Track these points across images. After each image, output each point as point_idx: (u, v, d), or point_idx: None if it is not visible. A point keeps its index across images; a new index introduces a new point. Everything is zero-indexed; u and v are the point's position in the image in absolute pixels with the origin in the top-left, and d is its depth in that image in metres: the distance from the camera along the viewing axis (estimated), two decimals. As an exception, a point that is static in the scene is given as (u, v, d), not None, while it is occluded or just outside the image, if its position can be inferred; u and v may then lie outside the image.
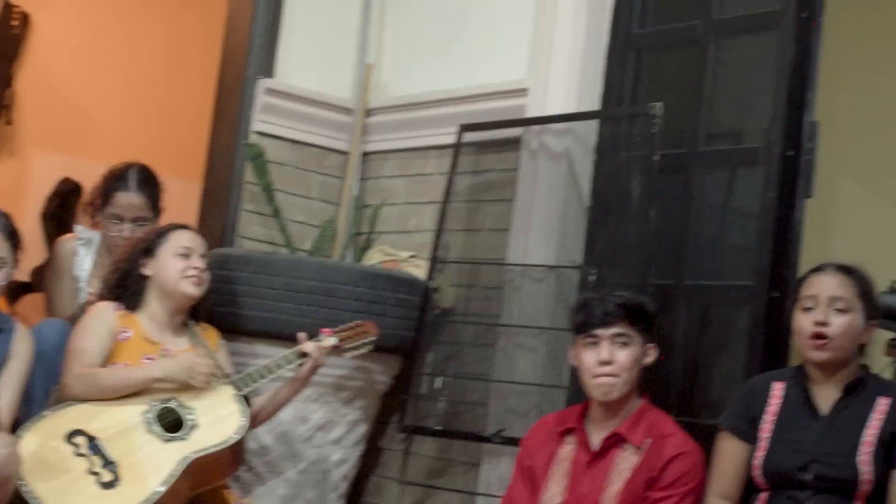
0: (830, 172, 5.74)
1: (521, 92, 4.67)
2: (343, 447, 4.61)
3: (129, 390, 3.71)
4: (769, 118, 4.01)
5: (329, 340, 3.97)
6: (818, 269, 3.47)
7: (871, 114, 6.02)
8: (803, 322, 3.40)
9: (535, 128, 4.58)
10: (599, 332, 3.60)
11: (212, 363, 3.73)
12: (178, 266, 3.93)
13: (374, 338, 4.11)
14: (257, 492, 4.47)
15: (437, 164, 5.00)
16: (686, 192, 4.31)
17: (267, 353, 4.34)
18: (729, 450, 3.51)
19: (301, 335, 3.98)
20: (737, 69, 4.32)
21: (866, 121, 6.01)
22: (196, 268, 3.94)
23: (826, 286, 3.40)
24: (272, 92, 5.14)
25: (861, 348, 3.45)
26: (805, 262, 3.60)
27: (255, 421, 3.96)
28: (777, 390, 3.50)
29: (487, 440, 4.40)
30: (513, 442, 4.18)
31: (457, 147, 4.71)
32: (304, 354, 3.92)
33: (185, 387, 3.74)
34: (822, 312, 3.36)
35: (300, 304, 4.39)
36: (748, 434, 3.47)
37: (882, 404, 3.36)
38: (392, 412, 4.84)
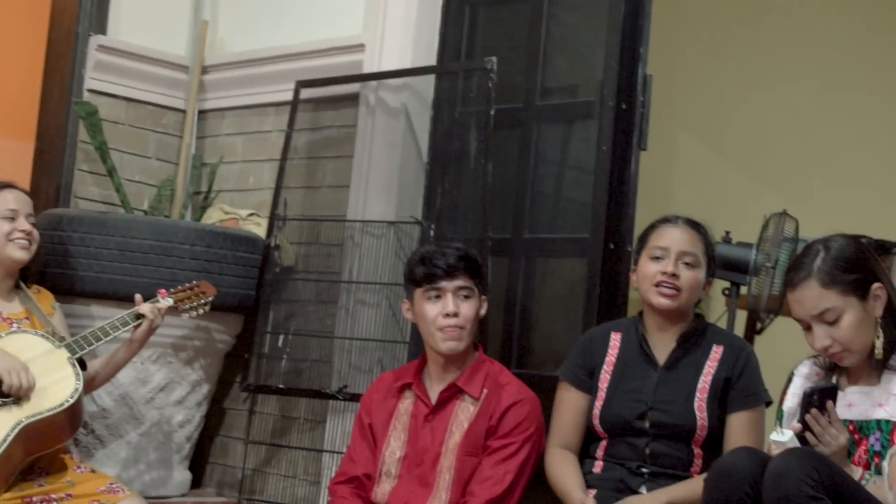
0: (668, 127, 5.87)
1: (358, 48, 4.65)
2: (185, 408, 4.57)
3: None
4: (603, 72, 4.06)
5: (165, 301, 3.92)
6: (668, 221, 3.52)
7: (707, 69, 6.16)
8: (650, 270, 3.45)
9: (373, 84, 4.57)
10: (444, 284, 3.61)
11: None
12: (3, 229, 3.84)
13: (210, 298, 4.07)
14: (99, 455, 4.41)
15: (276, 121, 4.96)
16: (523, 146, 4.35)
17: (103, 315, 4.27)
18: (568, 400, 3.56)
19: (138, 297, 3.92)
20: (571, 24, 4.36)
21: (702, 76, 6.15)
22: (22, 230, 3.85)
23: (677, 240, 3.46)
24: (105, 49, 5.04)
25: (697, 303, 3.53)
26: (647, 214, 3.65)
27: (92, 384, 3.90)
28: (615, 341, 3.56)
29: (332, 397, 4.40)
30: (356, 398, 4.20)
31: (294, 104, 4.68)
32: (140, 316, 3.86)
33: (32, 349, 3.67)
34: (673, 265, 3.42)
35: (136, 263, 4.34)
36: (587, 384, 3.54)
37: (715, 352, 3.45)
38: (235, 372, 4.80)
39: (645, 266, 3.47)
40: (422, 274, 3.64)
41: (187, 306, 4.00)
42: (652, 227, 3.54)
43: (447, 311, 3.60)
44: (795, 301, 3.06)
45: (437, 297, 3.63)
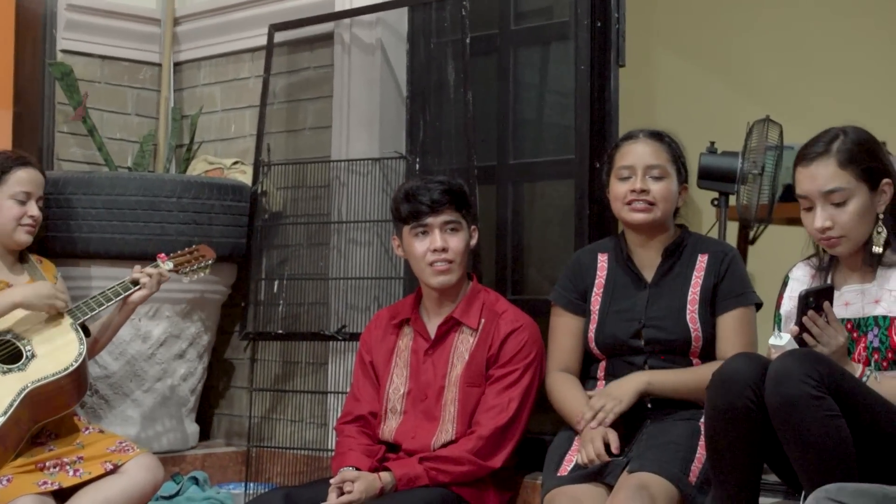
0: (646, 43, 5.85)
1: (329, -14, 4.63)
2: (187, 361, 4.58)
3: None
4: (575, -9, 4.04)
5: (165, 266, 3.90)
6: (629, 137, 3.51)
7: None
8: (620, 190, 3.44)
9: (346, 21, 4.54)
10: (430, 220, 3.61)
11: (66, 294, 3.66)
12: (13, 213, 3.83)
13: (210, 261, 4.05)
14: (106, 415, 4.43)
15: (252, 67, 4.94)
16: (501, 72, 4.34)
17: (96, 275, 4.29)
18: (563, 325, 3.57)
19: (136, 267, 3.89)
20: (540, -55, 4.33)
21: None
22: (32, 216, 3.85)
23: (641, 155, 3.44)
24: (75, 8, 5.00)
25: (676, 211, 3.51)
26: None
27: (94, 349, 3.91)
28: (602, 262, 3.56)
29: (331, 338, 4.42)
30: (356, 337, 4.21)
31: (269, 48, 4.65)
32: (138, 281, 3.85)
33: (36, 316, 3.67)
34: (641, 180, 3.41)
35: (125, 220, 4.33)
36: (581, 307, 3.54)
37: (701, 261, 3.45)
38: (234, 321, 4.82)
39: (615, 187, 3.46)
40: (407, 211, 3.63)
41: (187, 269, 3.99)
42: (616, 147, 3.52)
43: (435, 247, 3.60)
44: (807, 176, 3.03)
45: (424, 233, 3.63)
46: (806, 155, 3.05)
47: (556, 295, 3.60)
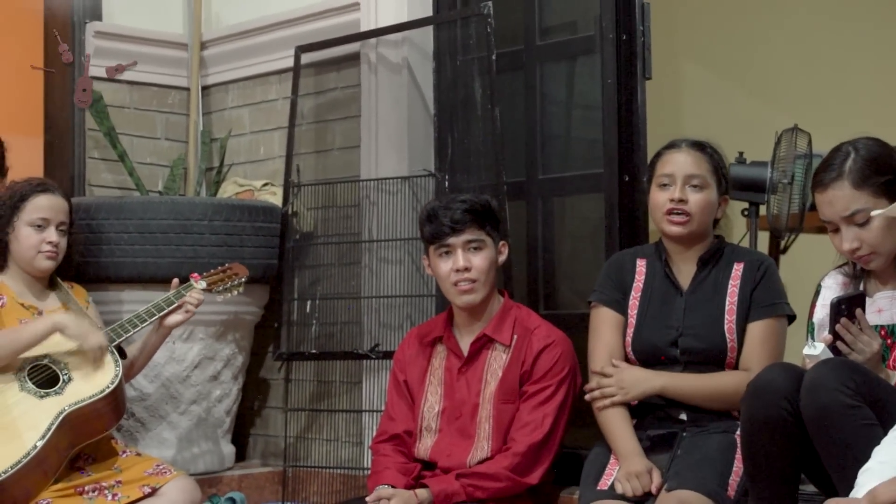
0: (672, 55, 5.85)
1: (354, 6, 4.64)
2: (222, 383, 4.60)
3: (30, 345, 3.65)
4: (599, 5, 4.03)
5: (199, 285, 3.91)
6: (672, 146, 3.49)
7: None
8: (660, 198, 3.43)
9: (372, 41, 4.56)
10: (452, 240, 3.62)
11: (106, 340, 3.67)
12: (31, 241, 3.84)
13: (243, 279, 4.07)
14: (142, 438, 4.45)
15: (280, 88, 4.96)
16: (528, 87, 4.34)
17: (128, 299, 4.31)
18: (607, 322, 3.51)
19: (175, 281, 3.92)
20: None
21: (699, 1, 6.11)
22: (50, 242, 3.86)
23: (682, 164, 3.43)
24: (102, 35, 5.03)
25: (715, 222, 3.51)
26: (658, 144, 3.63)
27: (131, 371, 3.92)
28: (641, 266, 3.55)
29: (365, 357, 4.43)
30: (389, 355, 4.21)
31: (296, 70, 4.67)
32: (171, 302, 3.86)
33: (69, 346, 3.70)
34: (680, 190, 3.39)
35: (157, 244, 4.35)
36: (622, 306, 3.51)
37: (737, 270, 3.43)
38: (267, 342, 4.83)
39: (655, 195, 3.45)
40: (429, 232, 3.66)
41: (220, 288, 4.00)
42: (657, 156, 3.51)
43: (458, 267, 3.61)
44: (825, 202, 3.03)
45: (447, 253, 3.64)
46: (820, 181, 3.04)
47: (597, 294, 3.55)
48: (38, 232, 3.85)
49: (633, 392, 3.38)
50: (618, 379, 3.40)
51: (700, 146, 3.47)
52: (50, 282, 3.96)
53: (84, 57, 4.98)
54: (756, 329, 3.37)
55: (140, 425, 4.46)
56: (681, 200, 3.39)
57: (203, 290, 3.92)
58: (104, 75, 5.03)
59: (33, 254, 3.85)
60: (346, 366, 4.61)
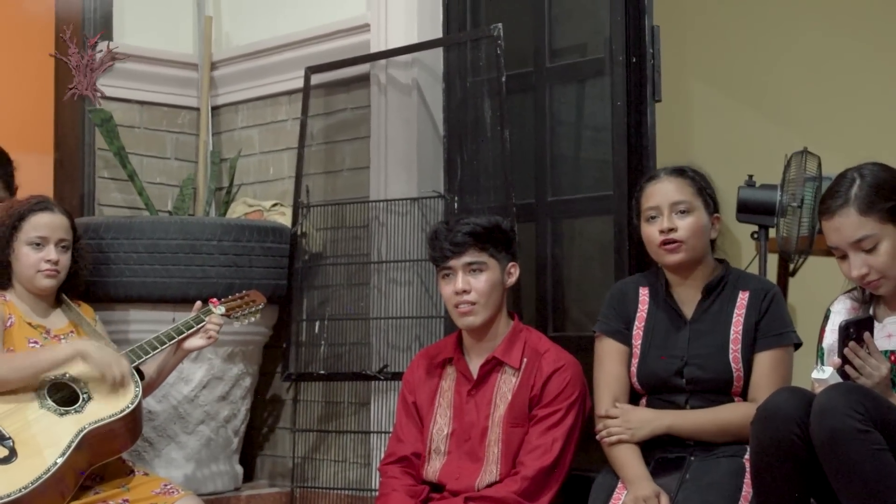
0: (681, 77, 5.85)
1: (363, 28, 4.65)
2: (230, 403, 4.60)
3: (49, 371, 3.64)
4: (609, 27, 4.04)
5: (216, 311, 3.92)
6: (652, 178, 3.48)
7: (715, 14, 6.12)
8: (650, 232, 3.42)
9: (382, 62, 4.57)
10: (452, 262, 3.63)
11: (126, 367, 3.66)
12: (31, 260, 3.83)
13: (261, 306, 4.08)
14: (150, 457, 4.45)
15: (289, 109, 4.97)
16: (537, 109, 4.35)
17: (138, 319, 4.31)
18: (611, 352, 3.51)
19: (197, 304, 3.92)
20: (574, -19, 4.35)
21: (710, 22, 6.11)
22: (49, 260, 3.85)
23: (665, 193, 3.41)
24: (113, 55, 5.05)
25: (712, 244, 3.49)
26: (666, 165, 3.63)
27: (147, 391, 3.92)
28: (644, 295, 3.54)
29: (373, 378, 4.43)
30: (398, 377, 4.21)
31: (306, 90, 4.68)
32: (192, 325, 3.86)
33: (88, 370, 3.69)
34: (668, 219, 3.38)
35: (166, 264, 4.36)
36: (625, 336, 3.51)
37: (742, 298, 3.42)
38: (275, 362, 4.83)
39: (645, 230, 3.44)
40: (432, 255, 3.69)
41: (238, 314, 4.01)
42: (640, 190, 3.50)
43: (457, 289, 3.61)
44: (832, 229, 3.03)
45: (448, 275, 3.65)
46: (827, 208, 3.04)
47: (601, 325, 3.55)
48: (36, 251, 3.85)
49: (640, 433, 3.37)
50: (624, 420, 3.39)
51: (680, 171, 3.46)
52: (57, 299, 3.96)
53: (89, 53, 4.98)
54: (764, 359, 3.35)
55: (148, 445, 4.46)
56: (671, 230, 3.37)
57: (221, 315, 3.92)
58: (115, 95, 5.04)
59: (33, 273, 3.85)
60: (354, 387, 4.61)
